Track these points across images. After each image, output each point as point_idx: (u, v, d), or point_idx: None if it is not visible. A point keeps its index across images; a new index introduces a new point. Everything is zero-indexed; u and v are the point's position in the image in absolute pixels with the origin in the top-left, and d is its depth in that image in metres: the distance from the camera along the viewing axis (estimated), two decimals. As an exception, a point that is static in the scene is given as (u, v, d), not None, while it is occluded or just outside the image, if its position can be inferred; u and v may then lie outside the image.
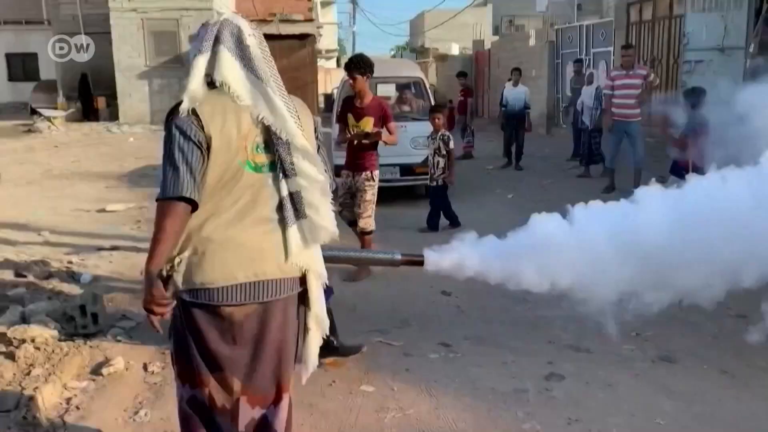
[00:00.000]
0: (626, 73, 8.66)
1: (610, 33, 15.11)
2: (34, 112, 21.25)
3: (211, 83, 2.12)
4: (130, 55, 20.53)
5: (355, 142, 5.33)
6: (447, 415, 3.27)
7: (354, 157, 5.41)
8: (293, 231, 2.14)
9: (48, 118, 20.11)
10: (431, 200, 7.16)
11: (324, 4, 32.17)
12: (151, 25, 20.53)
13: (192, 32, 20.27)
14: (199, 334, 2.12)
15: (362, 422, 3.23)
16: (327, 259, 3.68)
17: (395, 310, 4.79)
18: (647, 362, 3.89)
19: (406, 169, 8.25)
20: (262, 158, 2.12)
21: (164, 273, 2.06)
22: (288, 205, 2.13)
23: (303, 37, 20.65)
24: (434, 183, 7.00)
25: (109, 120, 20.99)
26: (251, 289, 2.10)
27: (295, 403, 3.37)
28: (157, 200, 2.02)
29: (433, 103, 8.83)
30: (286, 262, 2.14)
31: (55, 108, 21.49)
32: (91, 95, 22.00)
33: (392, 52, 51.00)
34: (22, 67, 26.20)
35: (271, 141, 2.12)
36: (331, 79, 33.37)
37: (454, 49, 29.14)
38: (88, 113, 21.81)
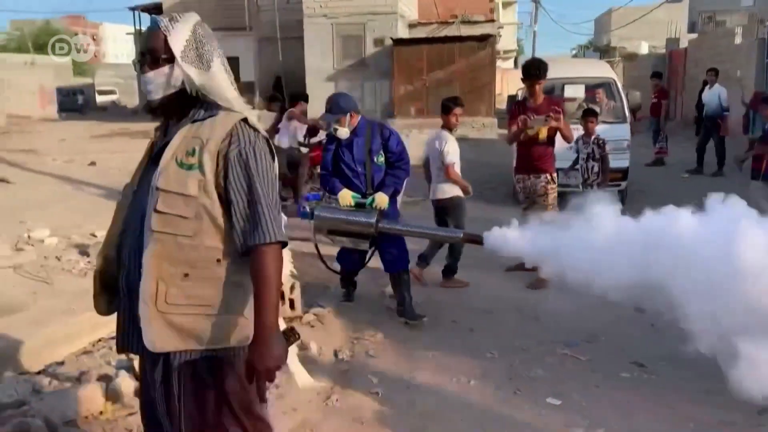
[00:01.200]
0: None
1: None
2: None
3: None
4: (319, 59, 21.81)
5: (529, 136, 5.23)
6: (643, 439, 3.07)
7: (528, 159, 5.30)
8: None
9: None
10: None
11: (505, 4, 31.80)
12: (340, 30, 21.62)
13: (376, 36, 21.01)
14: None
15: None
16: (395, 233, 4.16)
17: (581, 322, 4.58)
18: None
19: None
20: None
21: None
22: None
23: (483, 38, 20.54)
24: (588, 188, 6.64)
25: (298, 119, 22.46)
26: None
27: (480, 407, 3.37)
28: (263, 244, 1.76)
29: (626, 105, 8.37)
30: None
31: (252, 108, 23.45)
32: (285, 97, 23.71)
33: (573, 52, 49.10)
34: (226, 70, 28.93)
35: None
36: (508, 80, 32.90)
37: (643, 48, 27.35)
38: (282, 113, 23.52)
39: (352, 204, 4.30)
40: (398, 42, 20.72)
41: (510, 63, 39.05)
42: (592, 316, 4.69)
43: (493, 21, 23.39)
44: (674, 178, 10.91)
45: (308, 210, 4.22)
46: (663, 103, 12.54)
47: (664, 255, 2.62)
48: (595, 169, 6.57)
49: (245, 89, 24.80)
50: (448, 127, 5.32)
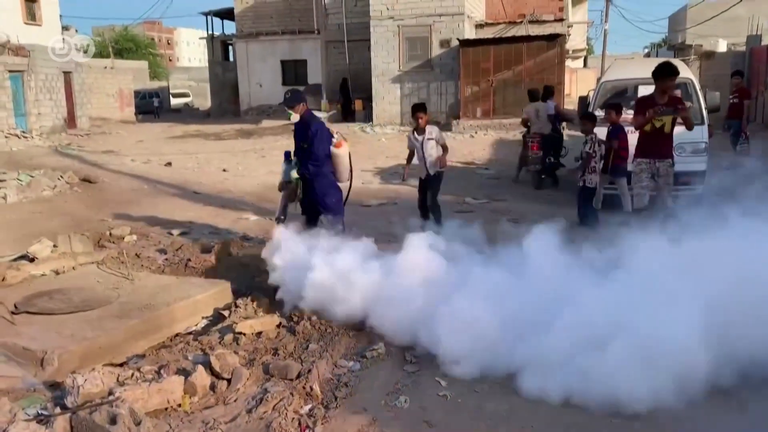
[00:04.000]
0: None
1: None
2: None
3: None
4: (385, 60, 21.95)
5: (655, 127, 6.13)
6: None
7: (653, 144, 6.22)
8: None
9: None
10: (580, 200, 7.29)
11: (575, 2, 31.06)
12: (406, 32, 21.69)
13: (442, 37, 21.02)
14: None
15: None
16: None
17: None
18: None
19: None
20: None
21: None
22: None
23: (552, 37, 20.18)
24: (581, 183, 7.15)
25: (364, 121, 22.71)
26: None
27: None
28: None
29: (704, 106, 8.07)
30: None
31: (319, 110, 23.85)
32: (350, 98, 24.02)
33: (646, 50, 47.53)
34: (294, 72, 29.50)
35: None
36: (577, 80, 32.13)
37: (721, 46, 26.17)
38: (347, 114, 23.84)
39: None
40: (465, 43, 20.61)
41: (579, 62, 38.17)
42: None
43: (562, 20, 22.96)
44: (756, 183, 10.39)
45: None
46: (745, 104, 11.99)
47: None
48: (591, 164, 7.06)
49: (313, 91, 25.25)
50: None
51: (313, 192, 5.78)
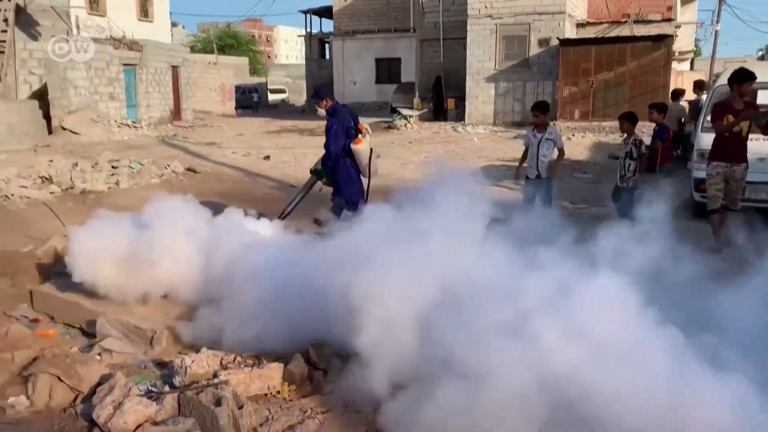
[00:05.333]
0: None
1: None
2: (393, 110, 23.95)
3: None
4: (480, 59, 21.72)
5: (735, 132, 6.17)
6: None
7: (733, 148, 6.24)
8: None
9: (405, 117, 22.46)
10: (617, 201, 7.19)
11: (684, 1, 29.56)
12: (504, 30, 21.38)
13: (541, 36, 20.58)
14: None
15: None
16: None
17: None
18: None
19: None
20: None
21: None
22: None
23: (659, 38, 19.30)
24: (624, 185, 7.06)
25: (455, 120, 22.56)
26: None
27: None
28: None
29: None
30: None
31: (411, 107, 23.91)
32: (443, 96, 23.92)
33: (760, 53, 44.62)
34: (388, 70, 29.73)
35: None
36: (682, 82, 30.55)
37: None
38: (438, 113, 23.76)
39: None
40: (565, 42, 20.07)
41: (686, 65, 36.28)
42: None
43: (670, 20, 21.92)
44: None
45: None
46: None
47: None
48: (631, 167, 6.98)
49: (406, 89, 25.36)
50: None
51: (333, 184, 6.30)
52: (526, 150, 7.11)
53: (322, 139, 6.29)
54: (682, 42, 32.14)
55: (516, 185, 8.60)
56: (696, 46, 43.96)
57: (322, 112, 6.28)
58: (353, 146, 6.06)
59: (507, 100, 21.69)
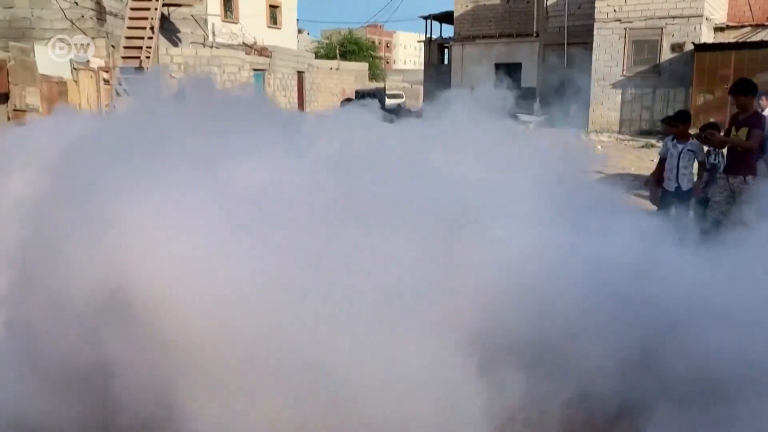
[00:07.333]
0: None
1: None
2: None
3: None
4: (607, 64, 20.92)
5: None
6: None
7: (731, 161, 6.14)
8: None
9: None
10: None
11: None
12: (633, 35, 20.46)
13: (674, 41, 19.52)
14: None
15: None
16: None
17: None
18: None
19: None
20: None
21: None
22: None
23: (810, 41, 17.74)
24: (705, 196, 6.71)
25: (578, 127, 21.83)
26: None
27: None
28: None
29: None
30: None
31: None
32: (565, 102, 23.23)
33: None
34: (508, 75, 29.30)
35: None
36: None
37: None
38: (562, 120, 23.10)
39: None
40: (701, 47, 18.88)
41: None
42: None
43: (823, 22, 20.06)
44: None
45: None
46: None
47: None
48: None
49: (526, 94, 24.88)
50: None
51: None
52: (662, 161, 6.75)
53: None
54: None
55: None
56: None
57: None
58: None
59: (634, 108, 20.74)
